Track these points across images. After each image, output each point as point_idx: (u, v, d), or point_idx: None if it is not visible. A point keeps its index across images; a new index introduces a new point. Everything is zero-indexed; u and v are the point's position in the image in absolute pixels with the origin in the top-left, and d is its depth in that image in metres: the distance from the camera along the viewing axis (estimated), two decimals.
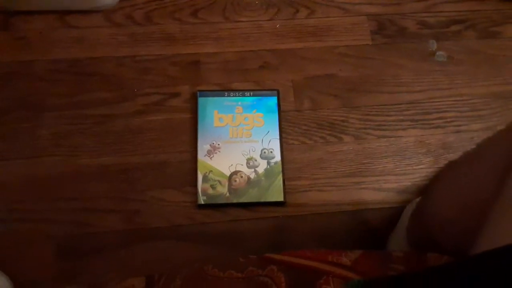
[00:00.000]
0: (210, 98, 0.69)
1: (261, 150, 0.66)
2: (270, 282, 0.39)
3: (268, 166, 0.65)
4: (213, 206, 0.64)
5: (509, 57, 0.77)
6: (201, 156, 0.65)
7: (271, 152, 0.66)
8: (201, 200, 0.63)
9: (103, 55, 0.72)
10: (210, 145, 0.66)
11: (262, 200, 0.64)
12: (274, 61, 0.74)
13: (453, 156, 0.69)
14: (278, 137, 0.67)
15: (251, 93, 0.70)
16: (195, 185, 0.64)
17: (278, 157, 0.66)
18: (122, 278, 0.43)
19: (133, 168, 0.66)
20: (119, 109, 0.69)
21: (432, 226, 0.47)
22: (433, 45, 0.77)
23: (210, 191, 0.64)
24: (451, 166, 0.59)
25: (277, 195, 0.64)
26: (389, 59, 0.76)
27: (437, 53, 0.77)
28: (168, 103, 0.70)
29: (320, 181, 0.67)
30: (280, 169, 0.65)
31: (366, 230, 0.65)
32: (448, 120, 0.72)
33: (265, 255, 0.42)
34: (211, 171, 0.65)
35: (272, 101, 0.69)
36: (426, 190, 0.59)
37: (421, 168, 0.69)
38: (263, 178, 0.65)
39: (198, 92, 0.69)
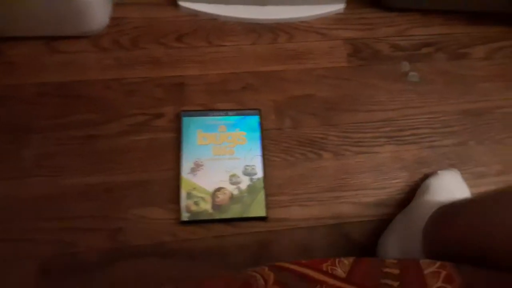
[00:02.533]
0: (194, 118, 0.72)
1: (244, 167, 0.69)
2: (258, 277, 0.40)
3: (251, 182, 0.68)
4: (197, 223, 0.66)
5: (477, 77, 0.83)
6: (184, 173, 0.68)
7: (253, 168, 0.69)
8: (185, 216, 0.65)
9: (89, 78, 0.76)
10: (194, 162, 0.69)
11: (245, 215, 0.66)
12: (256, 83, 0.78)
13: (428, 170, 0.73)
14: (260, 154, 0.71)
15: (234, 112, 0.73)
16: (178, 203, 0.66)
17: (260, 174, 0.69)
18: None
19: (117, 187, 0.68)
20: (104, 130, 0.72)
21: (493, 243, 0.44)
22: (405, 66, 0.83)
23: (194, 207, 0.66)
24: None
25: (259, 211, 0.66)
26: (365, 80, 0.81)
27: (410, 74, 0.82)
28: (153, 123, 0.73)
29: (301, 196, 0.70)
30: (262, 185, 0.68)
31: (347, 242, 0.67)
32: (422, 136, 0.76)
33: (273, 264, 0.43)
34: (195, 188, 0.67)
35: (254, 119, 0.73)
36: (474, 203, 0.53)
37: (398, 182, 0.72)
38: (245, 194, 0.67)
39: (182, 112, 0.73)
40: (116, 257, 0.63)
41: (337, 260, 0.41)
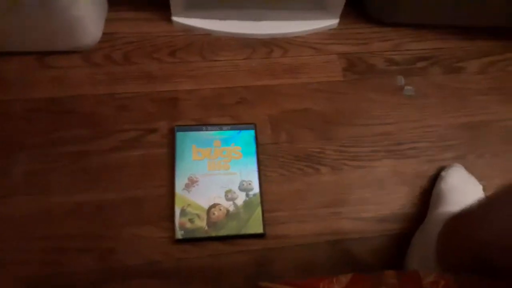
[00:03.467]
0: (188, 133, 0.72)
1: (240, 182, 0.69)
2: None
3: (247, 198, 0.68)
4: (191, 241, 0.64)
5: (473, 90, 0.85)
6: (178, 190, 0.67)
7: (250, 184, 0.69)
8: (179, 234, 0.64)
9: (81, 93, 0.76)
10: (188, 178, 0.68)
11: (242, 232, 0.65)
12: (250, 97, 0.79)
13: (427, 184, 0.73)
14: (256, 169, 0.70)
15: (229, 127, 0.73)
16: (173, 220, 0.65)
17: (256, 189, 0.68)
18: None
19: (109, 205, 0.67)
20: (96, 146, 0.71)
21: (489, 252, 0.44)
22: (401, 80, 0.84)
23: (188, 225, 0.65)
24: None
25: (256, 227, 0.66)
26: (361, 93, 0.82)
27: (405, 88, 0.84)
28: (146, 139, 0.73)
29: (299, 212, 0.69)
30: (259, 200, 0.68)
31: (349, 259, 0.66)
32: (421, 150, 0.77)
33: (256, 284, 0.43)
34: (189, 204, 0.66)
35: (250, 134, 0.73)
36: (470, 213, 0.52)
37: (398, 197, 0.72)
38: (242, 210, 0.67)
39: (175, 127, 0.73)
40: (108, 278, 0.62)
41: (334, 278, 0.41)
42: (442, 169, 0.73)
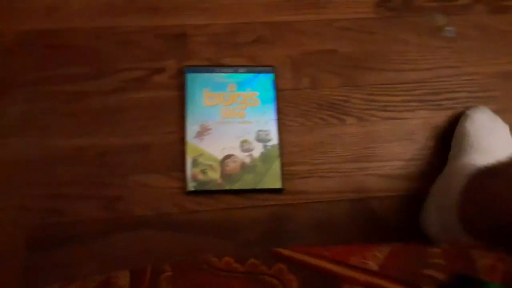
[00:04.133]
0: (199, 75, 0.66)
1: (257, 132, 0.64)
2: (278, 285, 0.35)
3: (264, 150, 0.63)
4: (204, 193, 0.61)
5: None
6: (190, 138, 0.63)
7: (267, 134, 0.64)
8: (191, 186, 0.61)
9: (78, 25, 0.69)
10: (200, 125, 0.63)
11: (258, 187, 0.62)
12: (269, 35, 0.72)
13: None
14: (275, 118, 0.65)
15: (245, 69, 0.67)
16: (184, 170, 0.62)
17: (275, 140, 0.64)
18: (101, 272, 0.41)
19: (113, 151, 0.63)
20: (96, 86, 0.66)
21: None
22: (440, 19, 0.76)
23: (201, 176, 0.61)
24: None
25: (274, 182, 0.62)
26: (394, 34, 0.74)
27: (446, 28, 0.75)
28: (152, 79, 0.67)
29: (321, 166, 0.65)
30: (278, 153, 0.63)
31: (372, 219, 0.63)
32: (458, 101, 0.71)
33: (272, 249, 0.39)
34: (202, 154, 0.62)
35: (268, 78, 0.67)
36: (501, 170, 0.47)
37: (430, 153, 0.67)
38: (258, 163, 0.63)
39: (185, 68, 0.66)
40: (114, 228, 0.60)
41: (369, 253, 0.36)
42: (467, 108, 0.68)
